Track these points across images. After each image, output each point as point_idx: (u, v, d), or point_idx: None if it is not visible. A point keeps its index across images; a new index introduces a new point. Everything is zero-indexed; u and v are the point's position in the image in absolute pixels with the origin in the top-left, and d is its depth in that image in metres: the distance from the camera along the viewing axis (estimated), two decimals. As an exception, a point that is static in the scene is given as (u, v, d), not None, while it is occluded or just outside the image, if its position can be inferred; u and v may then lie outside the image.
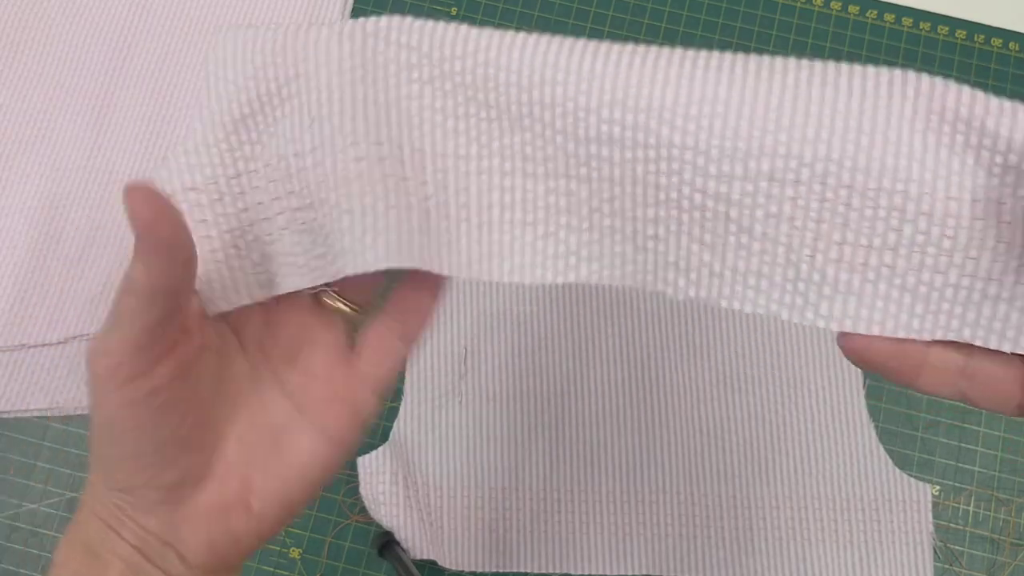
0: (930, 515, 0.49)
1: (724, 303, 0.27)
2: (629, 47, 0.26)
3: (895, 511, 0.49)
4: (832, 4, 0.57)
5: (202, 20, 0.57)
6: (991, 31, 0.57)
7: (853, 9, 0.57)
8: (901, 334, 0.25)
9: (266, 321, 0.29)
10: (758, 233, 0.26)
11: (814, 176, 0.25)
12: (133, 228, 0.24)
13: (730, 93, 0.25)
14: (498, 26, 0.56)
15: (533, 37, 0.27)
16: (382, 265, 0.26)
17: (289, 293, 0.28)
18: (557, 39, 0.27)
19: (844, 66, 0.26)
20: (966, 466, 0.50)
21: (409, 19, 0.28)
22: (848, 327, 0.26)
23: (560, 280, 0.28)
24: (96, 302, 0.52)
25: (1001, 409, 0.25)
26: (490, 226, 0.28)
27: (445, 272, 0.27)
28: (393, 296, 0.30)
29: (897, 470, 0.49)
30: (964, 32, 0.57)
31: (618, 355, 0.52)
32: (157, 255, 0.25)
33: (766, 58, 0.26)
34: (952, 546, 0.49)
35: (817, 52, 0.56)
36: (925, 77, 0.25)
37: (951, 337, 0.25)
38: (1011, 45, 0.57)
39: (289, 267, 0.28)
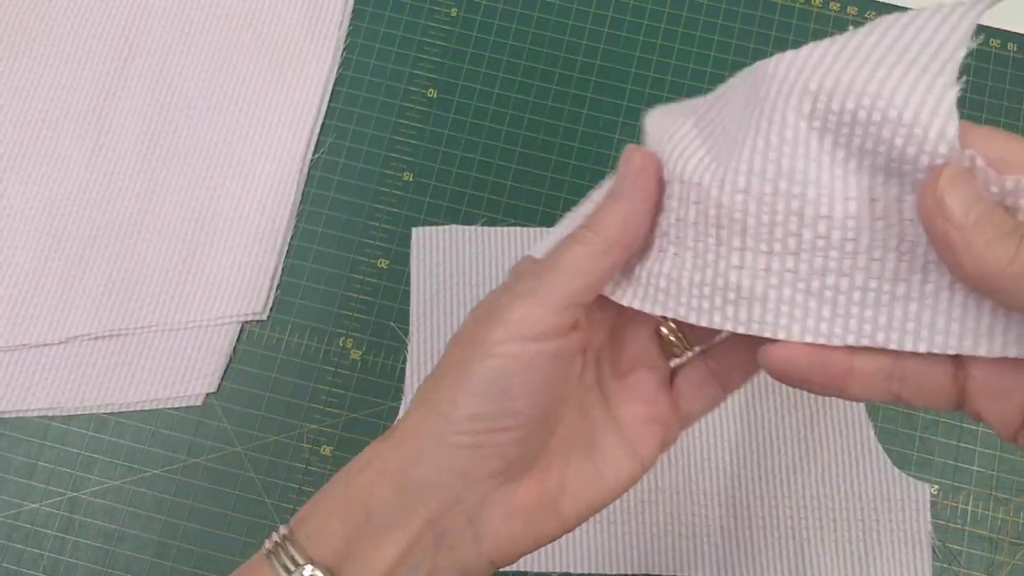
0: (929, 514, 0.49)
1: (636, 303, 0.27)
2: None
3: (894, 510, 0.49)
4: (831, 4, 0.58)
5: (203, 20, 0.57)
6: (990, 31, 0.57)
7: (852, 10, 0.57)
8: (808, 339, 0.25)
9: (612, 334, 0.30)
10: (673, 236, 0.27)
11: (712, 180, 0.25)
12: (627, 174, 0.26)
13: None
14: (498, 27, 0.57)
15: None
16: (682, 315, 0.27)
17: (642, 312, 0.28)
18: None
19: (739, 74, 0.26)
20: (965, 465, 0.50)
21: None
22: (755, 331, 0.25)
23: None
24: (97, 302, 0.52)
25: (936, 406, 0.24)
26: (807, 294, 0.26)
27: (749, 331, 0.26)
28: (724, 343, 0.30)
29: (896, 469, 0.50)
30: (963, 32, 0.57)
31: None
32: (637, 204, 0.26)
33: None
34: (951, 545, 0.49)
35: (816, 52, 0.56)
36: (819, 76, 0.24)
37: (864, 343, 0.24)
38: (1010, 45, 0.57)
39: (673, 292, 0.27)
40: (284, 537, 0.26)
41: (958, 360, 0.23)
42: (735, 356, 0.30)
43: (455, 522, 0.26)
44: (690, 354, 0.31)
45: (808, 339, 0.24)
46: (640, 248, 0.28)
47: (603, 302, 0.28)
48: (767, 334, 0.25)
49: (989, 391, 0.23)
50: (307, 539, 0.25)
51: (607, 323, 0.30)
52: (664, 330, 0.30)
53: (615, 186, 0.27)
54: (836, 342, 0.24)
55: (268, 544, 0.26)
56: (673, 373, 0.31)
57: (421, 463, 0.25)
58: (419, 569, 0.25)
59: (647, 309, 0.27)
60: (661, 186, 0.27)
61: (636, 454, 0.29)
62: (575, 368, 0.27)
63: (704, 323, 0.26)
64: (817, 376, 0.24)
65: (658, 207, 0.27)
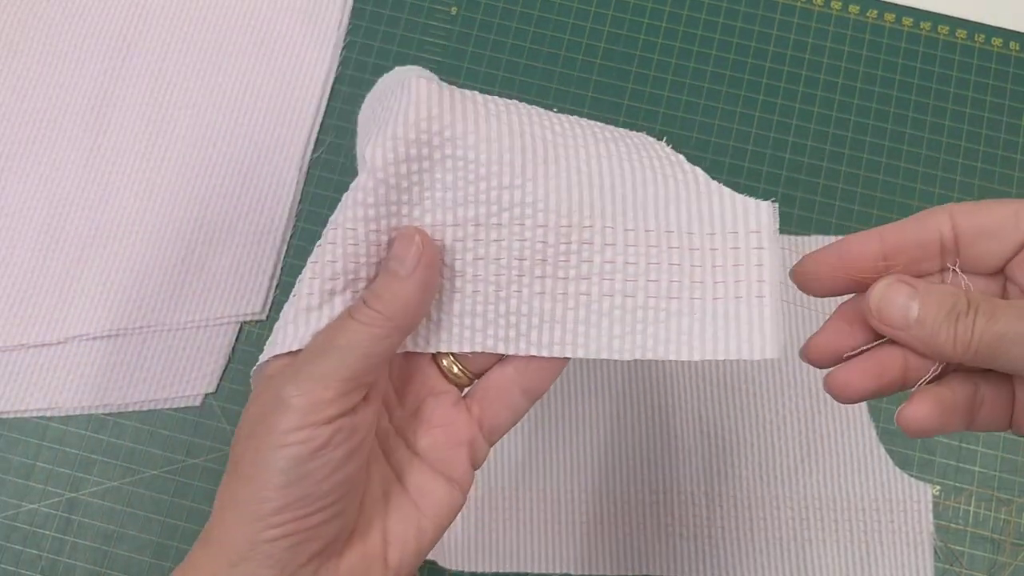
0: (931, 515, 0.49)
1: (444, 347, 0.29)
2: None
3: (895, 511, 0.49)
4: (832, 4, 0.57)
5: (201, 20, 0.57)
6: (991, 31, 0.57)
7: (853, 9, 0.57)
8: (604, 356, 0.28)
9: (391, 374, 0.30)
10: (469, 276, 0.28)
11: (512, 219, 0.28)
12: (407, 256, 0.27)
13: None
14: (498, 26, 0.56)
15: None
16: (506, 351, 0.29)
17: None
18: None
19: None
20: (966, 466, 0.50)
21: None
22: (556, 352, 0.28)
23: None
24: (96, 302, 0.52)
25: (999, 427, 0.28)
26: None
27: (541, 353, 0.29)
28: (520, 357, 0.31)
29: (897, 470, 0.49)
30: (964, 32, 0.57)
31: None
32: (421, 286, 0.27)
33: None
34: (953, 546, 0.49)
35: (817, 52, 0.56)
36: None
37: (648, 356, 0.28)
38: (1011, 45, 0.56)
39: (479, 326, 0.30)
40: None
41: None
42: (537, 360, 0.30)
43: None
44: (476, 381, 0.31)
45: (604, 356, 0.28)
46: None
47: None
48: (567, 354, 0.28)
49: None
50: None
51: (386, 368, 0.30)
52: (444, 362, 0.31)
53: (395, 264, 0.27)
54: (626, 356, 0.28)
55: None
56: (464, 394, 0.31)
57: (239, 565, 0.25)
58: None
59: (455, 349, 0.29)
60: (438, 272, 0.28)
61: (449, 480, 0.29)
62: (372, 433, 0.27)
63: (512, 351, 0.29)
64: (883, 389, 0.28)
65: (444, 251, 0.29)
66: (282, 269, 0.53)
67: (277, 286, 0.52)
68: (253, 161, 0.54)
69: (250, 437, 0.26)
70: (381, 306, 0.26)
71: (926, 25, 0.57)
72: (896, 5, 0.57)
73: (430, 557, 0.48)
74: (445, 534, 0.48)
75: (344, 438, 0.25)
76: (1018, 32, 0.57)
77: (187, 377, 0.50)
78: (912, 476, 0.49)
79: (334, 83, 0.56)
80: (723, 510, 0.49)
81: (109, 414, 0.50)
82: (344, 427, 0.25)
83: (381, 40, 0.57)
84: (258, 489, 0.25)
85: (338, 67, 0.56)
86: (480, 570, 0.49)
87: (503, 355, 0.30)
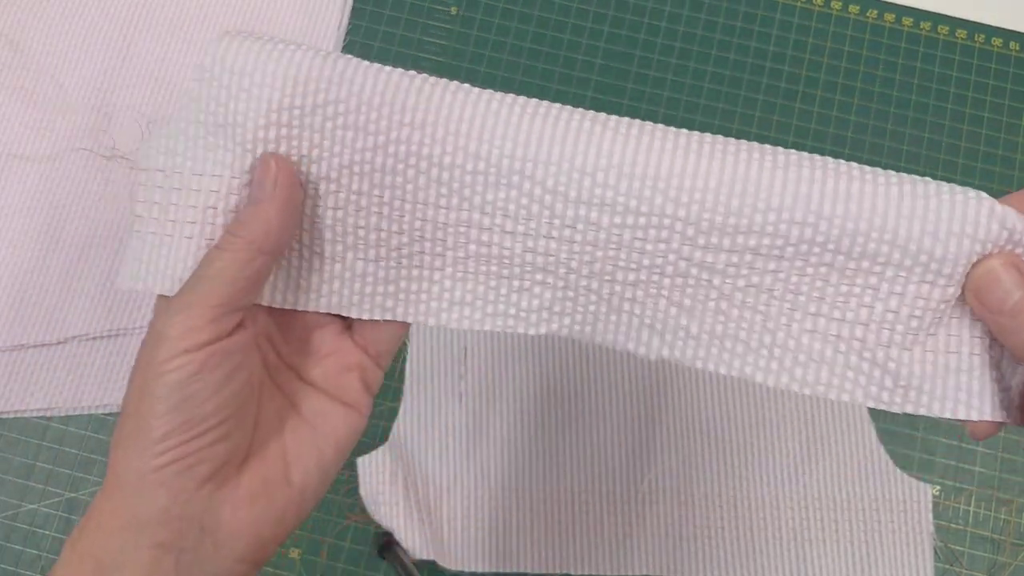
0: (931, 515, 0.49)
1: (699, 364, 0.28)
2: (627, 120, 0.28)
3: (895, 511, 0.49)
4: (833, 4, 0.57)
5: (201, 20, 0.57)
6: (991, 31, 0.57)
7: (853, 9, 0.57)
8: (871, 404, 0.27)
9: (271, 311, 0.30)
10: (738, 301, 0.28)
11: (798, 254, 0.27)
12: (264, 180, 0.27)
13: (724, 170, 0.27)
14: (498, 26, 0.57)
15: (535, 102, 0.28)
16: (343, 312, 0.29)
17: None
18: (560, 106, 0.28)
19: (839, 163, 0.28)
20: (966, 466, 0.50)
21: (418, 77, 0.29)
22: (820, 393, 0.28)
23: (532, 332, 0.29)
24: (96, 302, 0.52)
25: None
26: (464, 277, 0.29)
27: (410, 320, 0.30)
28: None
29: (898, 470, 0.49)
30: (964, 32, 0.57)
31: (619, 356, 0.52)
32: (279, 208, 0.27)
33: (767, 146, 0.28)
34: (953, 546, 0.49)
35: (817, 52, 0.56)
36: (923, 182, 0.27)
37: (922, 412, 0.27)
38: (1011, 45, 0.56)
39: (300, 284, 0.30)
40: None
41: None
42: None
43: (188, 538, 0.26)
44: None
45: (871, 404, 0.28)
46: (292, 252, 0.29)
47: None
48: (832, 396, 0.28)
49: None
50: None
51: (264, 309, 0.30)
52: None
53: (254, 190, 0.27)
54: (895, 409, 0.27)
55: None
56: (349, 323, 0.32)
57: (132, 497, 0.26)
58: None
59: (335, 311, 0.30)
60: (300, 191, 0.28)
61: (345, 404, 0.30)
62: (253, 357, 0.28)
63: (388, 318, 0.30)
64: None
65: (315, 215, 0.29)
66: (282, 269, 0.53)
67: (277, 286, 0.52)
68: (253, 161, 0.54)
69: (133, 376, 0.27)
70: (244, 231, 0.27)
71: (926, 25, 0.57)
72: (896, 5, 0.57)
73: (430, 557, 0.48)
74: (445, 534, 0.49)
75: (218, 361, 0.26)
76: (1018, 32, 0.57)
77: (187, 377, 0.50)
78: (912, 476, 0.49)
79: (334, 83, 0.56)
80: (723, 510, 0.49)
81: (109, 414, 0.50)
82: (218, 351, 0.26)
83: (381, 40, 0.57)
84: (142, 420, 0.26)
85: (338, 67, 0.56)
86: (480, 570, 0.49)
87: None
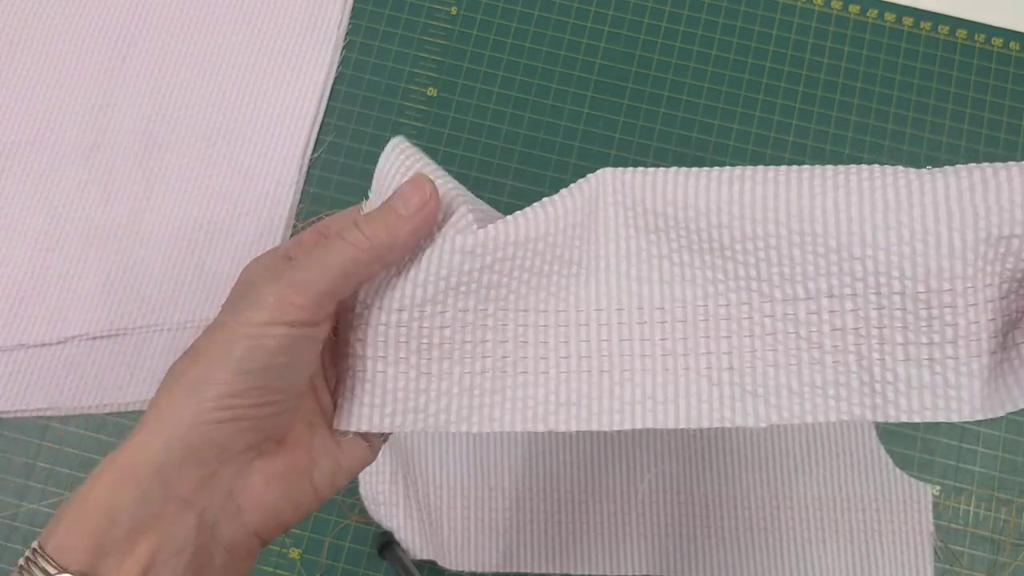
0: (931, 515, 0.49)
1: (809, 418, 0.28)
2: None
3: (895, 511, 0.49)
4: (833, 4, 0.57)
5: (201, 19, 0.57)
6: (991, 31, 0.57)
7: (854, 8, 0.57)
8: (979, 416, 0.27)
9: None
10: (828, 347, 0.28)
11: (867, 288, 0.27)
12: (412, 199, 0.28)
13: (779, 217, 0.27)
14: (498, 26, 0.56)
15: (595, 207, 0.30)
16: (453, 429, 0.30)
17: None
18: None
19: (884, 172, 0.28)
20: (966, 466, 0.50)
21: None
22: (928, 417, 0.28)
23: (639, 426, 0.29)
24: (96, 302, 0.52)
25: None
26: (568, 377, 0.29)
27: (518, 428, 0.30)
28: None
29: (898, 470, 0.49)
30: (964, 32, 0.57)
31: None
32: (413, 235, 0.28)
33: (804, 171, 0.28)
34: (953, 546, 0.49)
35: (817, 52, 0.56)
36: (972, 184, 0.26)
37: (1020, 406, 0.27)
38: (1011, 45, 0.56)
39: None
40: (35, 551, 0.25)
41: None
42: None
43: (214, 497, 0.27)
44: None
45: (979, 416, 0.27)
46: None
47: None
48: (940, 419, 0.28)
49: None
50: (55, 551, 0.25)
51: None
52: None
53: (397, 202, 0.28)
54: (998, 413, 0.27)
55: (21, 560, 0.26)
56: None
57: (173, 444, 0.26)
58: (181, 555, 0.26)
59: (444, 429, 0.30)
60: (435, 224, 0.29)
61: (366, 438, 0.31)
62: (318, 354, 0.29)
63: (497, 428, 0.30)
64: None
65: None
66: (282, 269, 0.53)
67: (277, 286, 0.52)
68: (253, 161, 0.54)
69: (214, 326, 0.27)
70: (371, 232, 0.27)
71: (926, 25, 0.57)
72: (896, 5, 0.57)
73: (430, 556, 0.48)
74: (445, 533, 0.49)
75: (306, 345, 0.27)
76: (1018, 32, 0.57)
77: (187, 377, 0.50)
78: (912, 476, 0.49)
79: (334, 83, 0.56)
80: (723, 510, 0.49)
81: (109, 414, 0.50)
82: (310, 335, 0.27)
83: (381, 40, 0.57)
84: (214, 371, 0.26)
85: (338, 67, 0.56)
86: (480, 570, 0.49)
87: None
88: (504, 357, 0.29)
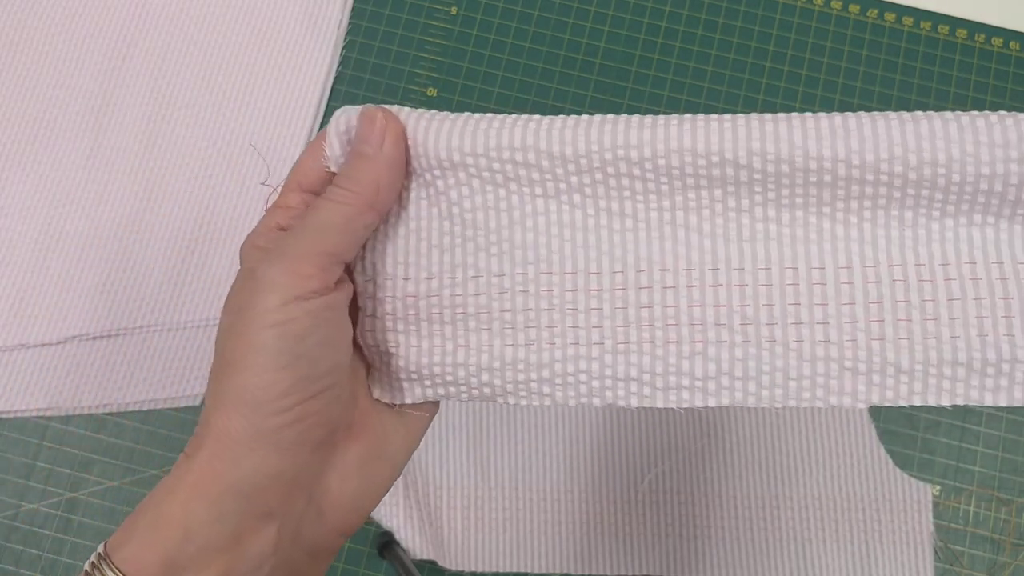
0: (931, 515, 0.49)
1: (917, 400, 0.25)
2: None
3: (895, 511, 0.49)
4: (833, 3, 0.57)
5: (202, 19, 0.57)
6: (991, 31, 0.57)
7: (854, 8, 0.57)
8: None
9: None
10: (945, 319, 0.24)
11: (988, 258, 0.24)
12: (371, 137, 0.25)
13: (893, 168, 0.24)
14: (498, 26, 0.56)
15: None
16: (499, 401, 0.27)
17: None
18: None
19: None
20: (967, 466, 0.50)
21: None
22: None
23: (712, 403, 0.25)
24: (96, 302, 0.52)
25: None
26: (627, 349, 0.26)
27: (571, 403, 0.26)
28: None
29: (897, 470, 0.49)
30: (964, 32, 0.57)
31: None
32: (390, 171, 0.25)
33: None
34: (953, 546, 0.49)
35: (817, 52, 0.56)
36: None
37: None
38: (1011, 45, 0.56)
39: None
40: (100, 557, 0.24)
41: None
42: None
43: (295, 506, 0.25)
44: None
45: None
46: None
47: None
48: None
49: None
50: (123, 562, 0.24)
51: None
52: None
53: (360, 146, 0.26)
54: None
55: (86, 566, 0.24)
56: None
57: (242, 462, 0.24)
58: (259, 572, 0.25)
59: (489, 401, 0.27)
60: (406, 149, 0.26)
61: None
62: (349, 323, 0.27)
63: (547, 403, 0.26)
64: None
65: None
66: (282, 269, 0.53)
67: (277, 286, 0.52)
68: (253, 161, 0.54)
69: (233, 326, 0.25)
70: (352, 185, 0.25)
71: (926, 25, 0.57)
72: (896, 5, 0.57)
73: (430, 556, 0.48)
74: (445, 534, 0.49)
75: (329, 316, 0.25)
76: (1018, 32, 0.57)
77: (187, 377, 0.50)
78: (912, 476, 0.49)
79: (334, 83, 0.56)
80: (723, 510, 0.49)
81: (109, 414, 0.50)
82: (329, 304, 0.25)
83: (381, 40, 0.57)
84: (254, 376, 0.24)
85: (338, 67, 0.56)
86: (480, 570, 0.49)
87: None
88: (550, 327, 0.25)
